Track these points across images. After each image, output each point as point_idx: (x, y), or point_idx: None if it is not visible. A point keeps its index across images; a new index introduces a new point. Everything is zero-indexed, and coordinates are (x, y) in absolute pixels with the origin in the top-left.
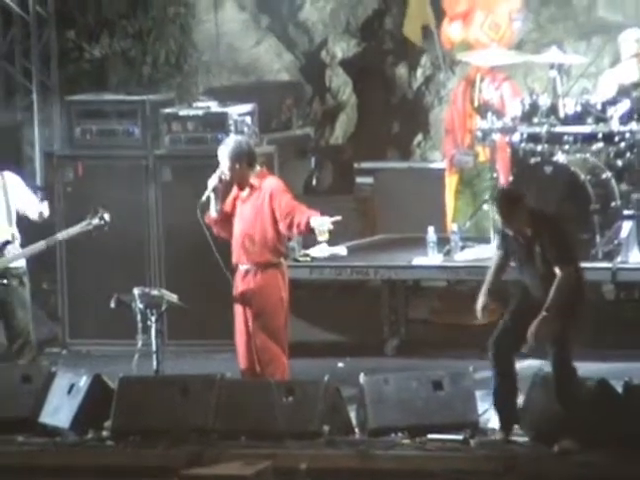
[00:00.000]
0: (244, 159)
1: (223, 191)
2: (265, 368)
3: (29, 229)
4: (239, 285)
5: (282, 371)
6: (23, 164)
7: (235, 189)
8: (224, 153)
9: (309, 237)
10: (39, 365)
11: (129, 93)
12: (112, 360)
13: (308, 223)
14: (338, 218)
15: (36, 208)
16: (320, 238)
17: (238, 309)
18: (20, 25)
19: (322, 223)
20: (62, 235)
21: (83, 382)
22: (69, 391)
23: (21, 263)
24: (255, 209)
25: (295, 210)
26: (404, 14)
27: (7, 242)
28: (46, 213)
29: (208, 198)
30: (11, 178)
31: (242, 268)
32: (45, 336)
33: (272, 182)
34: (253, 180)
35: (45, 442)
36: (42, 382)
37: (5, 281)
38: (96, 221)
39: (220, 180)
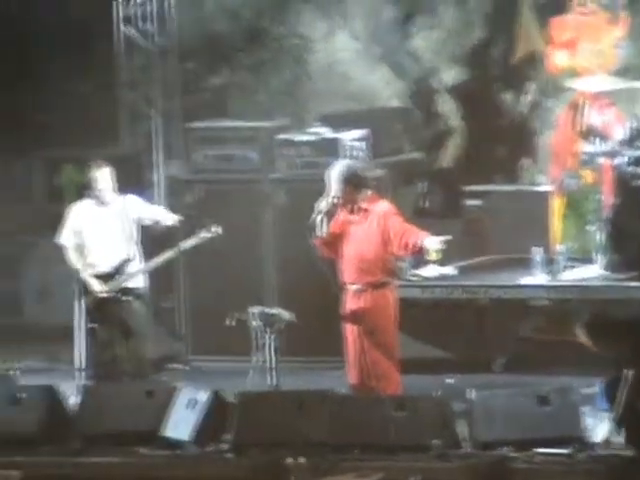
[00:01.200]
0: (353, 182)
1: (332, 213)
2: (378, 383)
3: (147, 247)
4: (350, 304)
5: (394, 386)
6: (145, 189)
7: (344, 211)
8: (333, 176)
9: (419, 258)
10: (162, 381)
11: (246, 120)
12: (231, 375)
13: (420, 243)
14: (449, 237)
15: (165, 215)
16: (431, 258)
17: (349, 327)
18: (143, 55)
19: (434, 243)
20: (175, 250)
21: (203, 397)
22: (190, 405)
23: (141, 283)
24: (367, 231)
25: (407, 231)
26: (514, 39)
27: (126, 261)
28: (177, 217)
29: (317, 220)
30: (131, 199)
31: (353, 288)
32: (167, 353)
33: (384, 205)
34: (364, 203)
35: (167, 454)
36: (165, 397)
37: (124, 299)
38: (208, 234)
39: (329, 203)
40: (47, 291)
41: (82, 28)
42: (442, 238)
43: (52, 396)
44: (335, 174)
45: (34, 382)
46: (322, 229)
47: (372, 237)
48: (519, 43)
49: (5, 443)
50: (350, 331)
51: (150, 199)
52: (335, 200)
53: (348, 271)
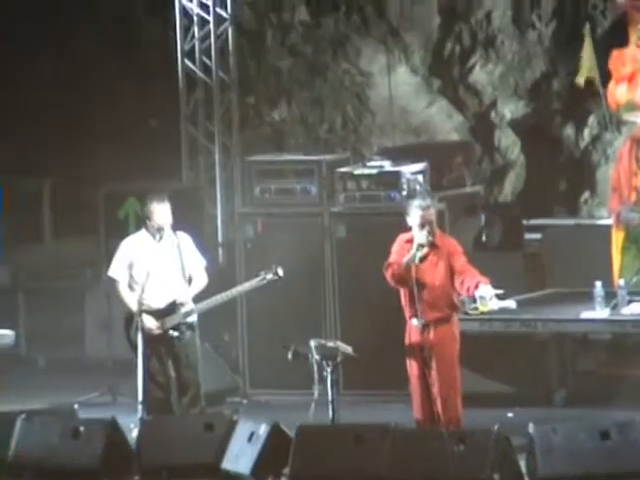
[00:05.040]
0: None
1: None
2: (442, 417)
3: (209, 284)
4: (416, 338)
5: (458, 420)
6: (204, 222)
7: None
8: (424, 211)
9: None
10: (221, 414)
11: (306, 153)
12: (290, 409)
13: (475, 288)
14: (501, 291)
15: (200, 273)
16: (482, 308)
17: (415, 361)
18: (204, 89)
19: (486, 294)
20: (237, 290)
21: (263, 430)
22: (249, 439)
23: (194, 317)
24: (436, 266)
25: (467, 272)
26: (577, 67)
27: (180, 298)
28: (203, 284)
29: (418, 253)
30: (184, 238)
31: (419, 322)
32: (227, 386)
33: (451, 242)
34: (436, 239)
35: None
36: (224, 430)
37: (177, 334)
38: (270, 276)
39: (427, 237)
40: (109, 324)
41: (146, 63)
42: (496, 291)
43: (113, 429)
44: (424, 209)
45: (95, 415)
46: (420, 262)
47: (440, 273)
48: (581, 73)
49: (66, 477)
50: (414, 365)
51: (211, 233)
52: (428, 234)
53: (414, 305)
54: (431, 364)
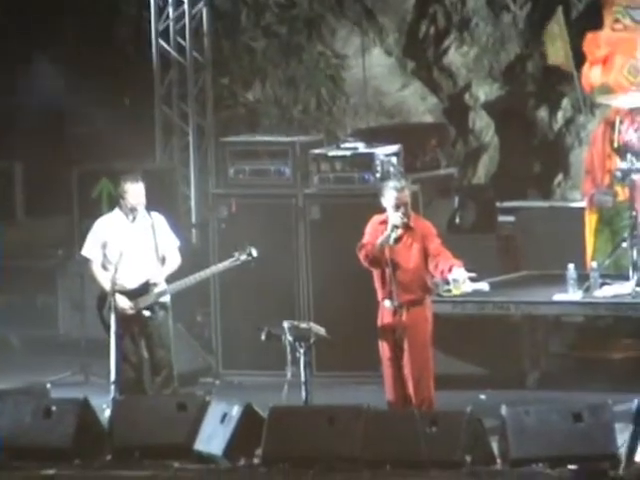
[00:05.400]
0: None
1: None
2: (414, 399)
3: (182, 264)
4: (388, 320)
5: (430, 402)
6: (179, 203)
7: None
8: (398, 192)
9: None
10: (194, 394)
11: (280, 135)
12: (262, 390)
13: (449, 271)
14: (474, 275)
15: (173, 254)
16: (455, 291)
17: (386, 343)
18: (178, 70)
19: (459, 277)
20: (211, 270)
21: (235, 411)
22: (222, 420)
23: (167, 297)
24: (410, 248)
25: (441, 255)
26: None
27: (153, 278)
28: (176, 264)
29: (393, 235)
30: (158, 218)
31: (391, 305)
32: (199, 367)
33: (426, 224)
34: (410, 221)
35: (199, 468)
36: (197, 411)
37: (150, 314)
38: (244, 257)
39: (402, 218)
40: (82, 304)
41: (120, 44)
42: (469, 274)
43: (85, 409)
44: (398, 191)
45: (68, 395)
46: (394, 243)
47: (414, 255)
48: (552, 46)
49: (38, 455)
50: (386, 347)
51: (184, 214)
52: (403, 216)
53: (388, 288)
54: (403, 346)
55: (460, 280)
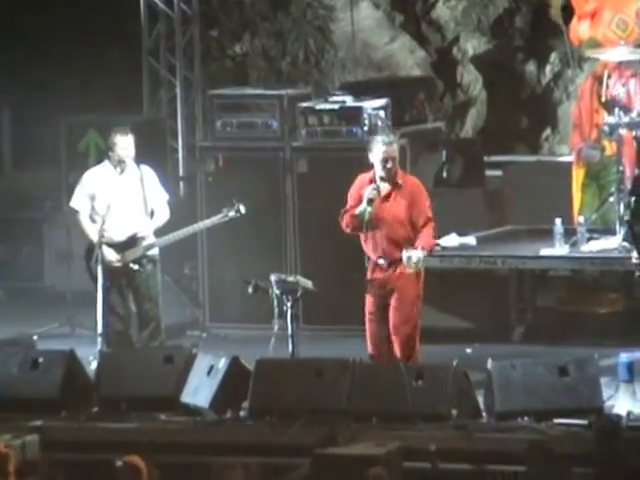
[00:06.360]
0: (394, 158)
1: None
2: (402, 355)
3: (170, 219)
4: (379, 275)
5: (415, 356)
6: (167, 155)
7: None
8: (380, 154)
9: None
10: (181, 347)
11: (268, 88)
12: (249, 343)
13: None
14: (423, 255)
15: (162, 208)
16: (407, 269)
17: (373, 298)
18: (165, 22)
19: (413, 255)
20: (199, 226)
21: (222, 364)
22: (209, 372)
23: (155, 250)
24: (399, 205)
25: (421, 231)
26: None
27: (141, 231)
28: (165, 218)
29: (367, 211)
30: (147, 172)
31: (380, 261)
32: (186, 319)
33: (415, 182)
34: (398, 179)
35: (186, 420)
36: (184, 363)
37: (138, 267)
38: (232, 213)
39: (375, 189)
40: (68, 256)
41: None
42: (421, 254)
43: (71, 361)
44: (387, 145)
45: (54, 347)
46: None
47: (401, 212)
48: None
49: (25, 407)
50: (372, 301)
51: (172, 166)
52: (376, 187)
53: (376, 245)
54: (390, 301)
55: (413, 259)
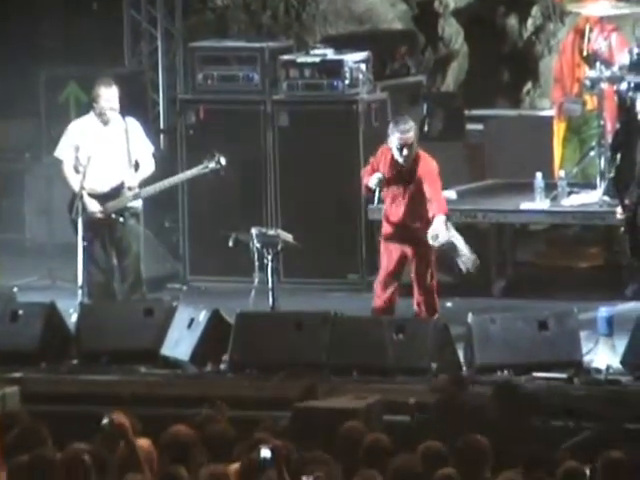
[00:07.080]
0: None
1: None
2: (426, 307)
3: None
4: (397, 237)
5: (435, 305)
6: (148, 108)
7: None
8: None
9: None
10: (162, 300)
11: (250, 40)
12: (230, 296)
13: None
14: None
15: (147, 159)
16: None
17: (393, 253)
18: None
19: (436, 232)
20: (180, 177)
21: (202, 317)
22: (189, 325)
23: (137, 203)
24: (409, 203)
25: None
26: None
27: (124, 182)
28: (150, 170)
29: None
30: (132, 124)
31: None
32: (167, 272)
33: (427, 163)
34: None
35: (166, 373)
36: (164, 316)
37: (121, 219)
38: (212, 165)
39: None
40: (49, 208)
41: None
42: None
43: (51, 313)
44: (402, 132)
45: (34, 299)
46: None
47: (419, 195)
48: None
49: (4, 359)
50: (389, 260)
51: (152, 119)
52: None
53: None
54: (407, 259)
55: (440, 238)
